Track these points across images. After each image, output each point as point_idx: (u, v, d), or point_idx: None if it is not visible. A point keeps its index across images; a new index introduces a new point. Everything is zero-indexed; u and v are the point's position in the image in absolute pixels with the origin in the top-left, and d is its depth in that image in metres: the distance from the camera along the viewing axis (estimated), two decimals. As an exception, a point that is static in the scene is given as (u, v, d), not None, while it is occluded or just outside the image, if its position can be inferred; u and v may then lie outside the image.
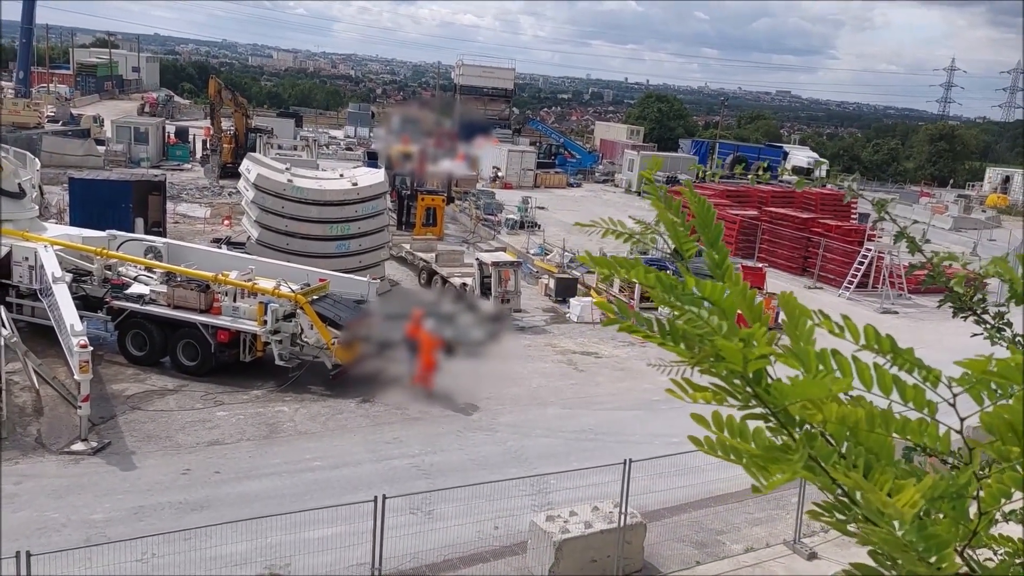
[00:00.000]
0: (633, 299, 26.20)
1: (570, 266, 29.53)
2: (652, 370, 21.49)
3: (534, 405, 18.69)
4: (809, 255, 34.87)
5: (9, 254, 18.91)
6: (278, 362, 18.22)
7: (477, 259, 24.82)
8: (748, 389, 1.17)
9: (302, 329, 18.31)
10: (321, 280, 19.84)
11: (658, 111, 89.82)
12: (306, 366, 18.66)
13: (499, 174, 51.16)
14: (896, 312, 30.09)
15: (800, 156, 70.18)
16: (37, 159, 23.04)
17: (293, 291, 18.37)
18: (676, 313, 1.28)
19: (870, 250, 31.86)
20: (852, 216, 41.60)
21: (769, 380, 1.19)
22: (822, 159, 67.26)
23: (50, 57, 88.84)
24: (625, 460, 11.87)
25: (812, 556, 13.12)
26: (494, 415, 17.79)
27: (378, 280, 22.05)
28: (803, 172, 60.45)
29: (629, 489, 11.82)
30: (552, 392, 19.68)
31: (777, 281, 31.75)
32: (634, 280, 1.49)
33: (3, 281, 18.89)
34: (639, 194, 53.20)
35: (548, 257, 31.53)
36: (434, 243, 30.56)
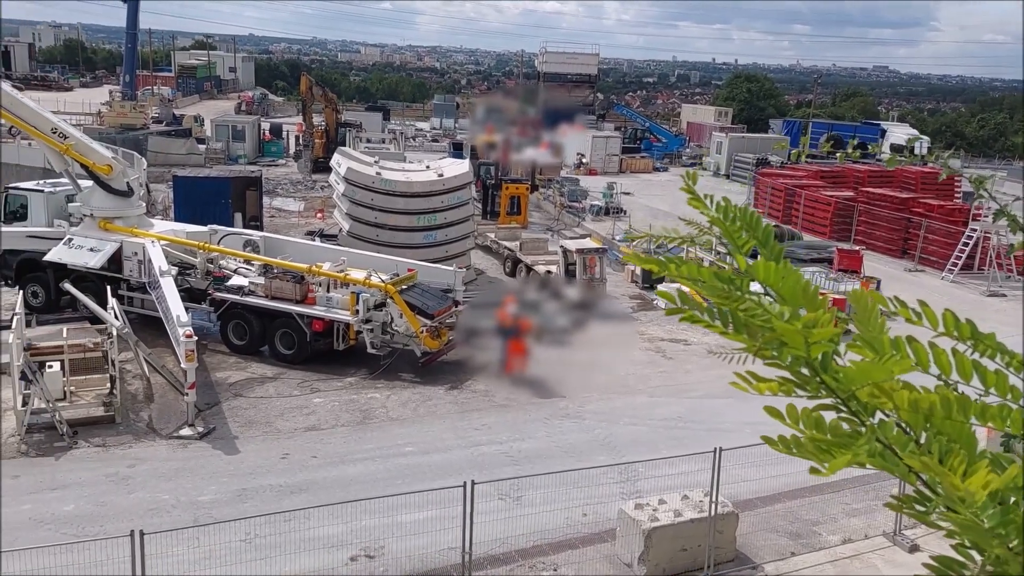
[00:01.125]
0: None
1: (657, 252, 29.17)
2: (741, 357, 21.05)
3: (622, 393, 18.60)
4: (910, 237, 33.36)
5: (120, 249, 20.01)
6: (370, 350, 18.72)
7: (562, 246, 24.81)
8: (815, 377, 1.16)
9: (392, 318, 18.73)
10: (409, 270, 20.24)
11: (747, 91, 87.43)
12: (396, 354, 19.11)
13: (583, 160, 50.85)
14: (1004, 295, 28.50)
15: (899, 133, 67.03)
16: (144, 159, 24.25)
17: (383, 281, 18.82)
18: (735, 302, 1.28)
19: (975, 230, 30.24)
20: (956, 195, 39.57)
21: (836, 365, 1.18)
22: (922, 136, 64.09)
23: (153, 61, 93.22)
24: (716, 448, 11.71)
25: (914, 549, 12.64)
26: (581, 403, 17.81)
27: (464, 269, 22.33)
28: (902, 150, 57.87)
29: (720, 478, 11.66)
30: (640, 380, 19.54)
31: (875, 264, 30.53)
32: (687, 276, 1.49)
33: (115, 275, 20.01)
34: (727, 177, 51.99)
35: (634, 243, 31.21)
36: (518, 231, 30.69)
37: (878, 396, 1.13)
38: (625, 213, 36.94)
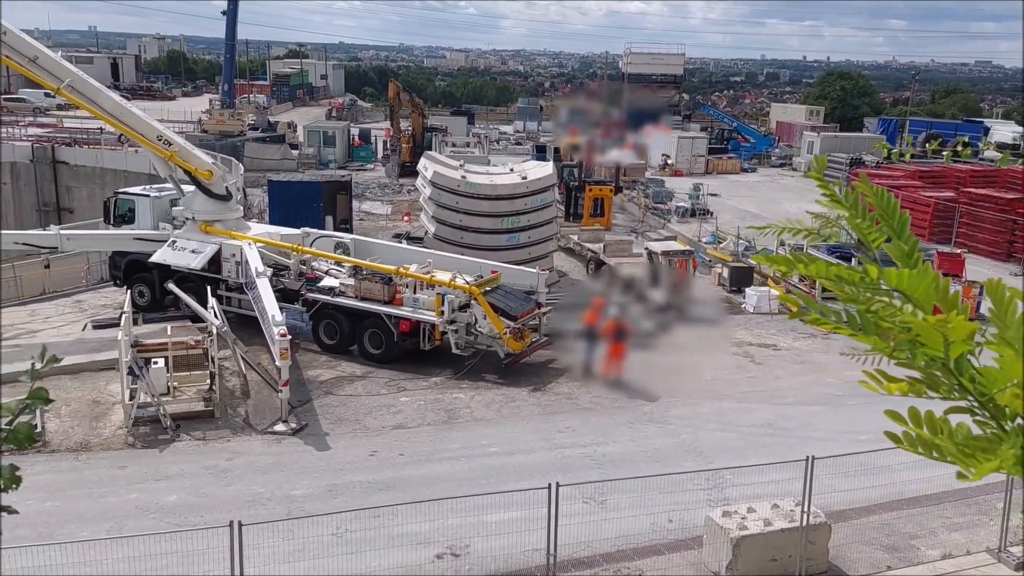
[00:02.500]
0: (814, 289, 24.96)
1: (745, 254, 28.54)
2: (836, 363, 20.37)
3: (708, 398, 18.27)
4: (1016, 239, 31.63)
5: (219, 251, 20.86)
6: (454, 351, 18.95)
7: (647, 248, 24.56)
8: (952, 378, 1.13)
9: (476, 319, 18.92)
10: (493, 272, 20.41)
11: (840, 89, 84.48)
12: (480, 355, 19.28)
13: (669, 161, 50.20)
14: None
15: (1004, 131, 63.67)
16: (240, 164, 25.22)
17: (467, 283, 19.03)
18: (864, 304, 1.25)
19: (1092, 232, 28.40)
20: (1069, 195, 37.24)
21: (974, 367, 1.14)
22: (1032, 132, 60.60)
23: (249, 70, 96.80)
24: (808, 457, 11.37)
25: (1020, 567, 11.97)
26: (667, 407, 17.58)
27: (547, 271, 22.36)
28: (1008, 148, 54.82)
29: (812, 487, 11.31)
30: (727, 385, 19.14)
31: (978, 268, 29.07)
32: (815, 275, 1.46)
33: (215, 276, 20.87)
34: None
35: (721, 245, 30.61)
36: (602, 233, 30.53)
37: (1021, 398, 1.09)
38: (712, 215, 36.26)
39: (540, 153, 45.20)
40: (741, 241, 29.69)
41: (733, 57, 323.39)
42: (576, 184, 34.41)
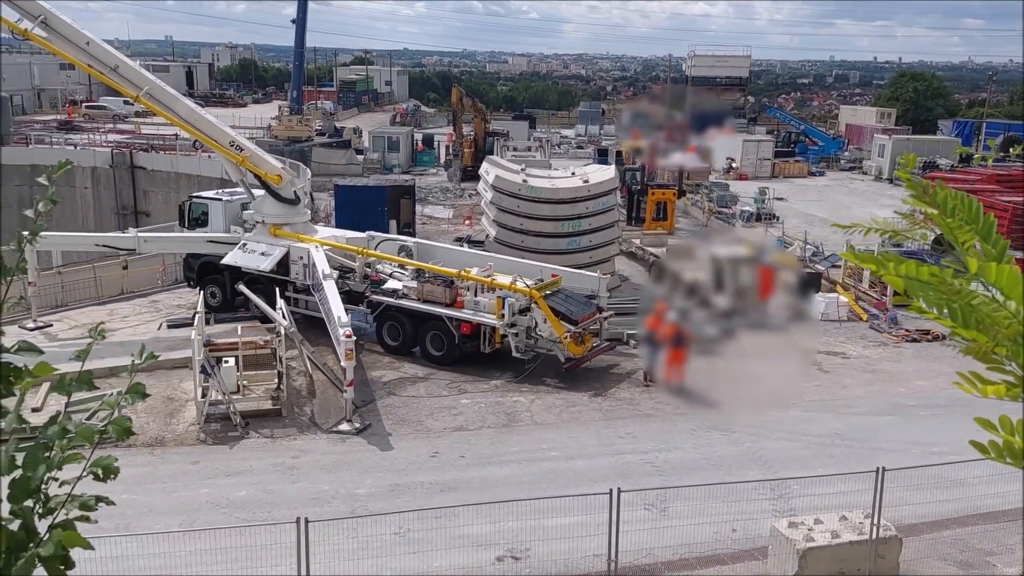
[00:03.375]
0: (885, 296, 24.29)
1: (812, 260, 27.93)
2: (908, 373, 19.78)
3: (774, 406, 17.90)
4: (1104, 245, 30.12)
5: (287, 254, 21.38)
6: (515, 354, 19.02)
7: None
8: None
9: (536, 323, 18.95)
10: (554, 275, 20.42)
11: (913, 91, 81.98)
12: (541, 359, 19.31)
13: (733, 165, 49.46)
14: None
15: (1091, 132, 60.79)
16: (308, 169, 25.76)
17: (528, 286, 19.08)
18: (965, 297, 1.23)
19: None
20: None
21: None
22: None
23: (317, 76, 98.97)
24: (878, 468, 11.07)
25: (1108, 591, 11.42)
26: (730, 415, 17.29)
27: (608, 275, 22.25)
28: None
29: (882, 500, 11.01)
30: (794, 393, 18.73)
31: (1062, 276, 27.83)
32: (903, 275, 1.45)
33: (283, 278, 21.39)
34: (891, 182, 49.00)
35: (788, 251, 30.00)
36: (665, 237, 30.24)
37: None
38: (778, 219, 35.59)
39: (602, 157, 45.03)
40: (808, 246, 29.05)
41: (800, 59, 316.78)
42: (638, 188, 34.17)
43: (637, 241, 29.94)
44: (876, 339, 22.52)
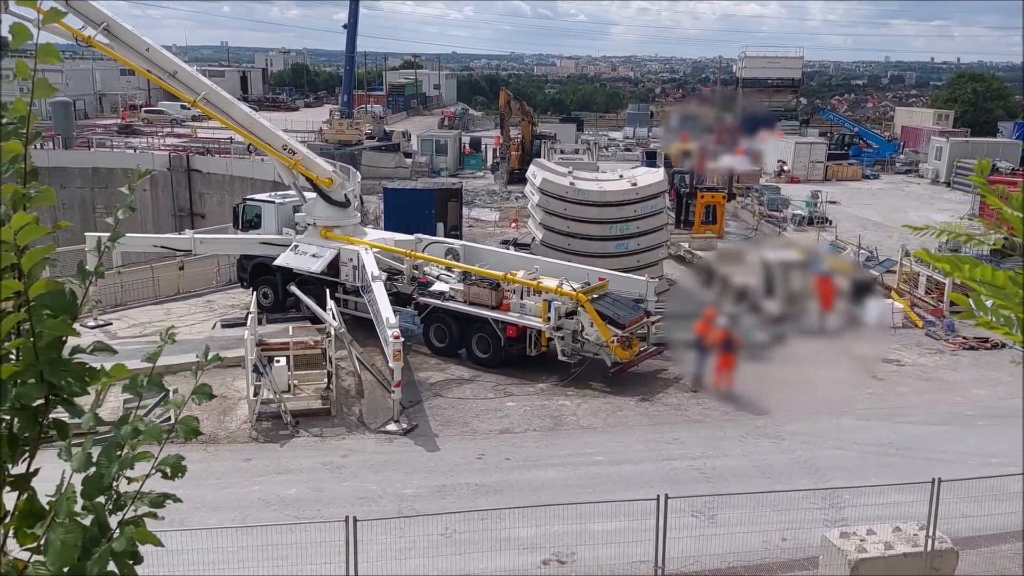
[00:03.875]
0: (942, 303, 23.71)
1: (866, 265, 27.36)
2: (965, 381, 19.27)
3: (825, 414, 17.62)
4: None
5: (338, 256, 21.71)
6: (561, 357, 19.01)
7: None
8: None
9: (583, 326, 18.92)
10: (601, 279, 20.35)
11: (972, 92, 79.65)
12: (587, 362, 19.27)
13: (785, 168, 48.71)
14: None
15: None
16: (358, 172, 26.14)
17: (574, 289, 19.06)
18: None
19: None
20: None
21: None
22: None
23: (367, 81, 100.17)
24: (933, 479, 10.82)
25: None
26: (781, 422, 17.06)
27: (656, 279, 22.12)
28: None
29: (938, 511, 10.75)
30: (846, 401, 18.39)
31: None
32: (978, 278, 1.44)
33: (333, 279, 21.73)
34: (948, 185, 47.74)
35: (841, 255, 29.44)
36: (714, 241, 29.93)
37: None
38: (830, 223, 34.93)
39: (650, 159, 44.73)
40: (862, 251, 28.48)
41: (855, 59, 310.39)
42: (687, 190, 33.87)
43: (686, 245, 29.68)
44: (932, 346, 21.98)
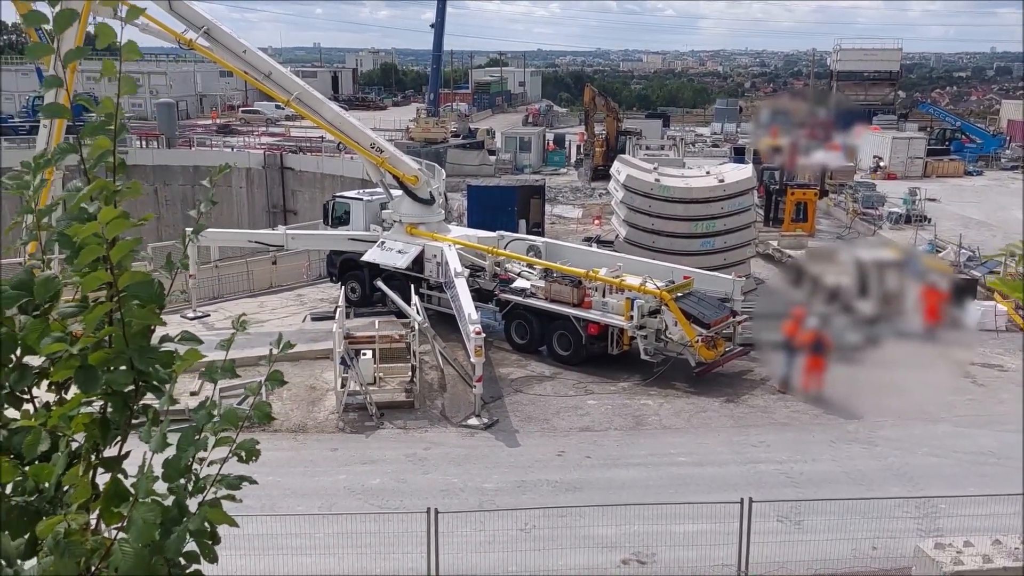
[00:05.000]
0: (1052, 305, 22.35)
1: (968, 265, 26.05)
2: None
3: (921, 419, 16.86)
4: None
5: (422, 252, 22.06)
6: (643, 356, 18.79)
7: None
8: None
9: (667, 325, 18.64)
10: (686, 277, 20.02)
11: (1090, 81, 74.66)
12: (670, 362, 18.98)
13: (881, 164, 46.83)
14: None
15: None
16: (443, 169, 26.47)
17: (658, 288, 18.80)
18: None
19: None
20: None
21: None
22: None
23: (453, 79, 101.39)
24: (1038, 492, 10.22)
25: None
26: (873, 427, 16.43)
27: (743, 278, 21.62)
28: None
29: (1043, 526, 10.15)
30: (943, 406, 17.57)
31: None
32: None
33: (417, 275, 22.10)
34: (1061, 181, 44.92)
35: (940, 255, 28.11)
36: (804, 240, 29.04)
37: None
38: (929, 221, 33.39)
39: (738, 155, 43.74)
40: (963, 251, 27.12)
41: (957, 51, 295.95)
42: (777, 187, 32.97)
43: (775, 243, 28.90)
44: (1040, 352, 20.75)
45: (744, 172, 25.97)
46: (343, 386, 16.96)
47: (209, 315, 23.00)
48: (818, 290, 24.60)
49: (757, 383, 18.81)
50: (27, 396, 2.09)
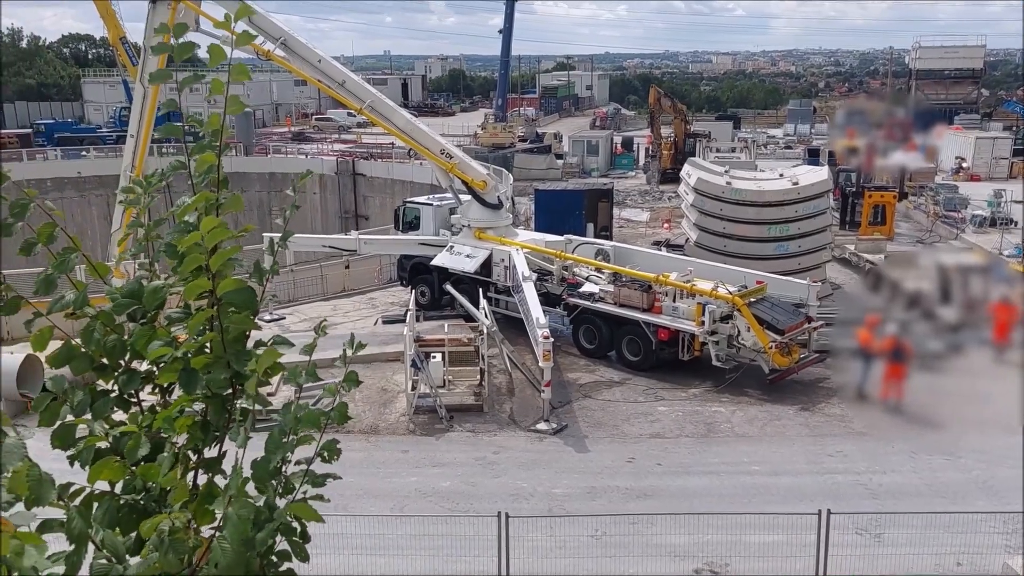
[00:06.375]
0: None
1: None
2: None
3: (1009, 430, 16.11)
4: None
5: (490, 256, 22.20)
6: (715, 363, 18.48)
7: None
8: None
9: (739, 331, 18.30)
10: (759, 282, 19.61)
11: None
12: (743, 368, 18.62)
13: (963, 165, 45.07)
14: None
15: None
16: (510, 174, 26.60)
17: (730, 293, 18.47)
18: None
19: None
20: None
21: None
22: None
23: (520, 84, 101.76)
24: None
25: None
26: (957, 437, 15.78)
27: (818, 283, 21.06)
28: None
29: None
30: (1033, 418, 16.76)
31: None
32: None
33: (486, 279, 22.24)
34: None
35: (1029, 259, 26.86)
36: (883, 243, 28.14)
37: None
38: (1015, 224, 31.93)
39: (813, 157, 42.71)
40: (1055, 254, 25.83)
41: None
42: (853, 189, 32.05)
43: (851, 247, 28.08)
44: None
45: (819, 174, 25.35)
46: (413, 388, 17.17)
47: (284, 317, 23.60)
48: (898, 296, 23.80)
49: (833, 391, 18.30)
50: (135, 400, 2.19)
